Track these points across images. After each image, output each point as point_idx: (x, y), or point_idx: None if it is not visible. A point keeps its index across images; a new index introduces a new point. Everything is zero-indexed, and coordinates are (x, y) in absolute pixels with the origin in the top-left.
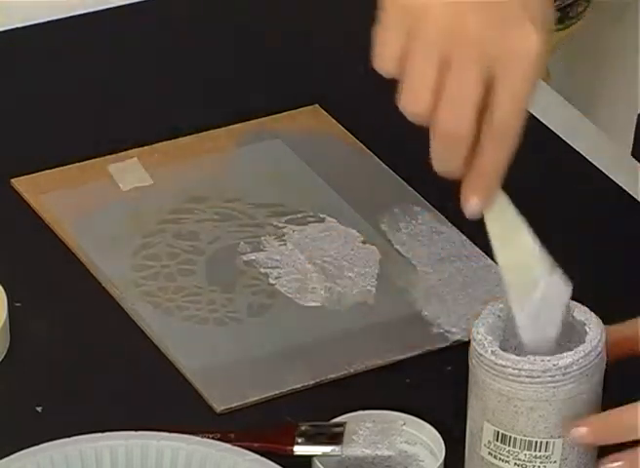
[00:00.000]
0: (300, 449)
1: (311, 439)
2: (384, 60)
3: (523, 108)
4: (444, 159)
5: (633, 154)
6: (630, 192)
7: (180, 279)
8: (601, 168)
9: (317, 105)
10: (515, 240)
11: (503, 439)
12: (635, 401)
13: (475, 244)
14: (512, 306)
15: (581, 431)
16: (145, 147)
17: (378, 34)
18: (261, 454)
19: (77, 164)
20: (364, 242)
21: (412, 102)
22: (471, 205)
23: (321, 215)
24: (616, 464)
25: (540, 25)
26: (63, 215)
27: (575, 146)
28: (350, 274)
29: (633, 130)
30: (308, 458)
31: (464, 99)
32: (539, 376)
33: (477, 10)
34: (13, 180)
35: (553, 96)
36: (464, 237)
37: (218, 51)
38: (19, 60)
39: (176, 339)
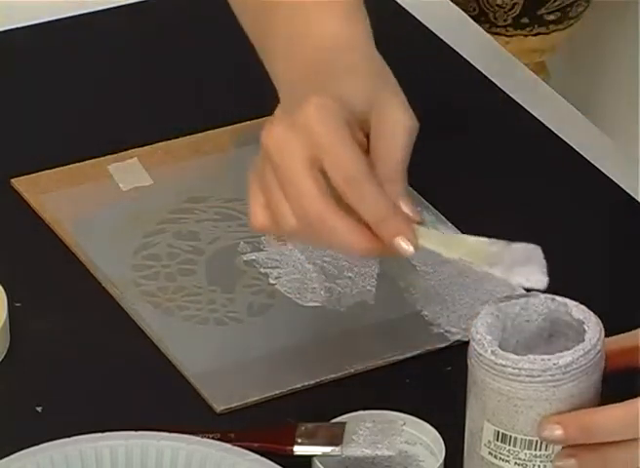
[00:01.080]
0: (299, 449)
1: (311, 439)
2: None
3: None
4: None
5: None
6: (631, 193)
7: (179, 279)
8: (601, 168)
9: None
10: (459, 241)
11: (504, 438)
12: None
13: None
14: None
15: (557, 433)
16: (145, 147)
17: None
18: (261, 454)
19: (77, 164)
20: None
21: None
22: (404, 247)
23: None
24: (569, 463)
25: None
26: (63, 215)
27: (575, 146)
28: (350, 274)
29: (634, 128)
30: (308, 458)
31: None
32: (538, 375)
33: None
34: (13, 180)
35: (553, 95)
36: None
37: (217, 51)
38: (19, 60)
39: (176, 339)
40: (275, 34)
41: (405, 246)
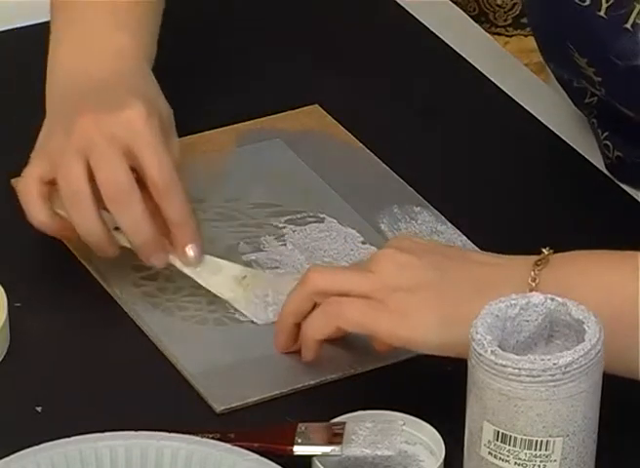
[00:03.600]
0: (299, 449)
1: (311, 439)
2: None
3: (166, 160)
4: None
5: None
6: (631, 193)
7: (179, 279)
8: (601, 168)
9: (317, 105)
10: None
11: (504, 438)
12: (634, 399)
13: (475, 244)
14: (248, 315)
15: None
16: None
17: None
18: (261, 454)
19: None
20: (364, 242)
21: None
22: (192, 253)
23: (321, 215)
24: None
25: (138, 93)
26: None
27: (575, 147)
28: None
29: None
30: (308, 458)
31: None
32: (539, 375)
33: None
34: (13, 180)
35: (553, 96)
36: (464, 237)
37: (217, 51)
38: (19, 60)
39: (176, 339)
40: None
41: (194, 253)
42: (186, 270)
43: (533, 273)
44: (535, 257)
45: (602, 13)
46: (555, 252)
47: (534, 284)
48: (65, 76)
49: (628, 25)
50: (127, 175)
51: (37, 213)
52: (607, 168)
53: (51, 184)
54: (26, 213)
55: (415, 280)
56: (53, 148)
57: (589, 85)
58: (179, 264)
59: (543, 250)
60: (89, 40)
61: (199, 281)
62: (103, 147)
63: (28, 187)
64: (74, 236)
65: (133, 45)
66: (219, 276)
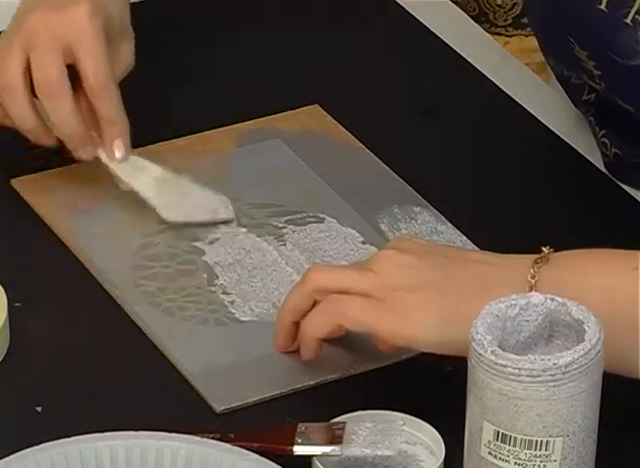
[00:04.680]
0: (299, 449)
1: (311, 439)
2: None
3: (103, 62)
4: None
5: None
6: (631, 193)
7: (179, 279)
8: (601, 168)
9: (317, 105)
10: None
11: (504, 438)
12: (634, 399)
13: (475, 244)
14: (161, 213)
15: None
16: (145, 147)
17: None
18: (261, 454)
19: (77, 164)
20: (364, 242)
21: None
22: (119, 149)
23: (321, 216)
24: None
25: None
26: (63, 215)
27: (575, 147)
28: None
29: None
30: (308, 458)
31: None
32: (539, 375)
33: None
34: (13, 180)
35: (553, 96)
36: (464, 237)
37: (217, 51)
38: None
39: (176, 339)
40: None
41: (120, 149)
42: (112, 165)
43: (532, 271)
44: (535, 256)
45: (603, 6)
46: (555, 251)
47: (533, 281)
48: None
49: (628, 20)
50: (58, 70)
51: None
52: (606, 167)
53: None
54: None
55: (415, 280)
56: (2, 43)
57: (589, 79)
58: (104, 158)
59: (543, 248)
60: None
61: (122, 177)
62: (44, 43)
63: None
64: (12, 124)
65: None
66: (141, 175)
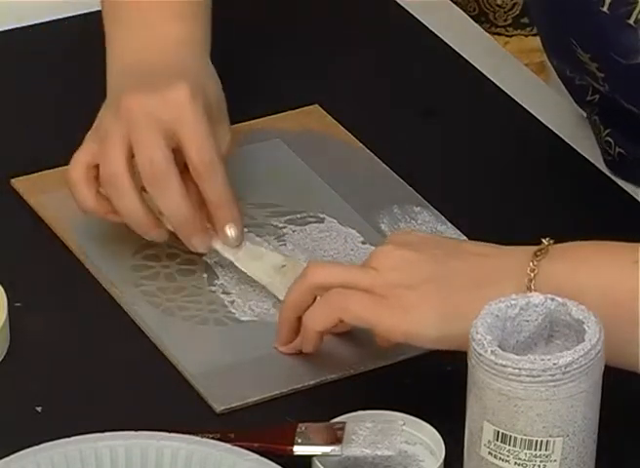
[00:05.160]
0: (299, 449)
1: (311, 439)
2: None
3: (208, 141)
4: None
5: None
6: (631, 192)
7: (179, 279)
8: (601, 167)
9: (317, 105)
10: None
11: (504, 438)
12: (634, 399)
13: None
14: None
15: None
16: None
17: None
18: (261, 454)
19: None
20: (364, 242)
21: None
22: (232, 233)
23: (321, 216)
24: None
25: (187, 76)
26: (63, 215)
27: (575, 147)
28: None
29: None
30: (308, 458)
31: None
32: (539, 375)
33: (136, 83)
34: (13, 180)
35: (553, 96)
36: (464, 237)
37: (218, 51)
38: (19, 60)
39: (176, 339)
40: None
41: (234, 233)
42: (227, 254)
43: (532, 264)
44: (534, 248)
45: (605, 8)
46: (555, 243)
47: (532, 274)
48: (123, 66)
49: (631, 21)
50: (164, 155)
51: (83, 198)
52: (607, 165)
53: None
54: (74, 197)
55: (415, 275)
56: (101, 131)
57: (593, 80)
58: (219, 247)
59: (543, 240)
60: (144, 30)
61: (239, 265)
62: (144, 128)
63: (75, 172)
64: (120, 219)
65: (188, 31)
66: (258, 262)
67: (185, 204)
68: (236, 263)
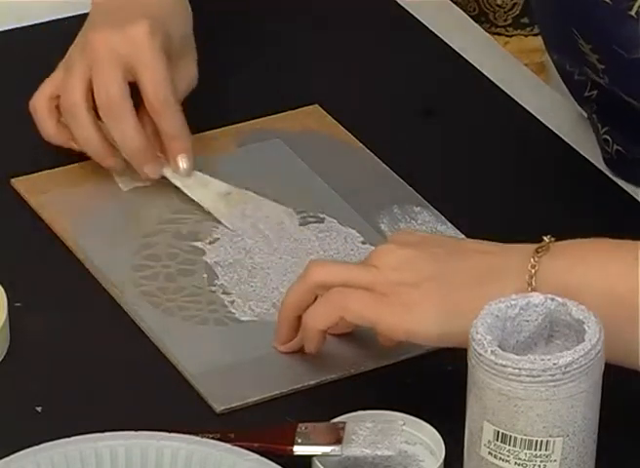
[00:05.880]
0: (299, 449)
1: (311, 439)
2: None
3: (163, 78)
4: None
5: None
6: (631, 192)
7: (179, 279)
8: (602, 168)
9: (317, 105)
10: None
11: (504, 438)
12: (634, 399)
13: None
14: (227, 224)
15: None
16: None
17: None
18: (261, 454)
19: (77, 164)
20: (364, 242)
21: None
22: (183, 163)
23: (321, 216)
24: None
25: (149, 13)
26: (63, 215)
27: (575, 146)
28: None
29: None
30: (308, 458)
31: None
32: (539, 375)
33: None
34: (13, 180)
35: (553, 96)
36: (464, 237)
37: (218, 50)
38: (19, 60)
39: (176, 339)
40: None
41: (185, 163)
42: (176, 181)
43: (533, 261)
44: (535, 245)
45: None
46: (556, 240)
47: (533, 271)
48: (97, 4)
49: (633, 13)
50: (120, 87)
51: (45, 126)
52: (605, 163)
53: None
54: (37, 126)
55: (416, 273)
56: (67, 64)
57: (593, 73)
58: (169, 174)
59: (544, 238)
60: None
61: (186, 192)
62: (105, 62)
63: (39, 102)
64: (79, 146)
65: None
66: (205, 189)
67: (138, 135)
68: (184, 190)
